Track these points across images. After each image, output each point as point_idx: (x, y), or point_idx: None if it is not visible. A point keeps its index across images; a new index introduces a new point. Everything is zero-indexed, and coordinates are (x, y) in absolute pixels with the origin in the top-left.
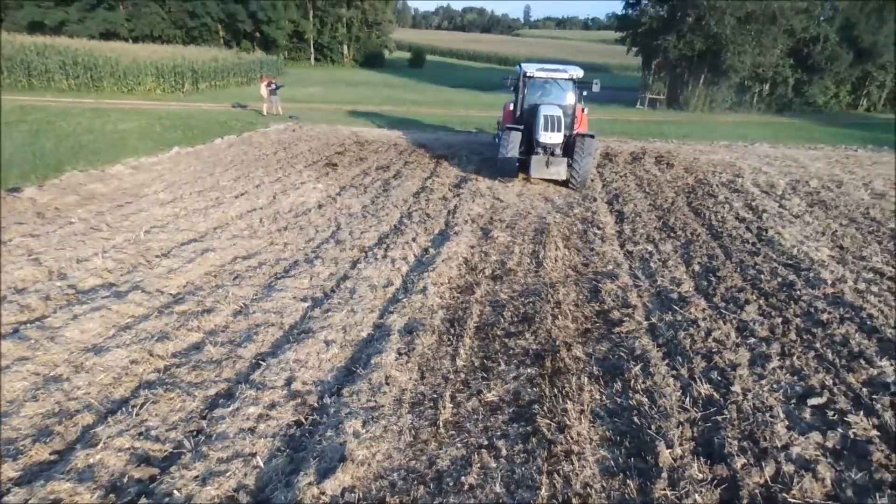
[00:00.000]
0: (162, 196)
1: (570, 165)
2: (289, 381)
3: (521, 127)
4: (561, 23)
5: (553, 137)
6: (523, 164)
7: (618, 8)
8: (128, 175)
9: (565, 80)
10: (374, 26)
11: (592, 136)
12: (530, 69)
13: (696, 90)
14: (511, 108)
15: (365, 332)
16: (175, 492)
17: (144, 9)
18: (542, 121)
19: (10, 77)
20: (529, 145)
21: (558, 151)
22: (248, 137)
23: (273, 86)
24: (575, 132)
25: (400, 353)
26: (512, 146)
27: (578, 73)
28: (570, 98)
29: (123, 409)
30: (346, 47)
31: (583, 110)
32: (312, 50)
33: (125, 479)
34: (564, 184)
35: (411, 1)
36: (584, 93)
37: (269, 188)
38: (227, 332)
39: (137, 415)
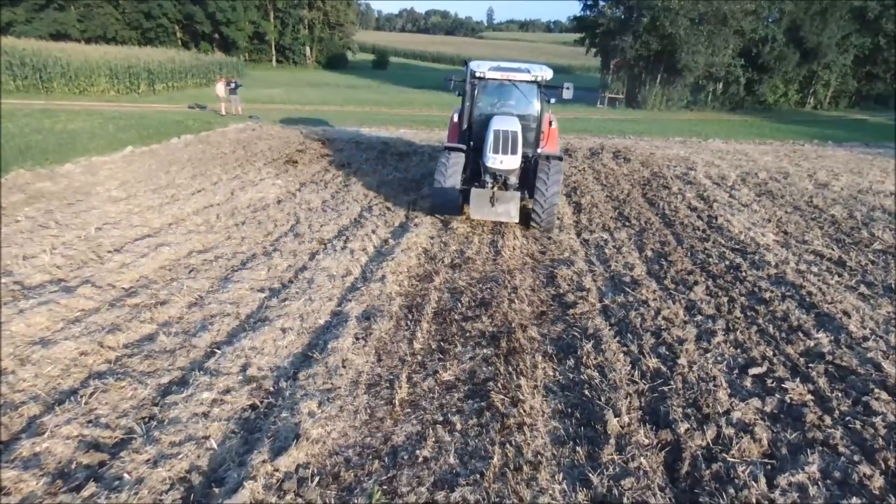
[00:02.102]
0: (114, 194)
1: (531, 197)
2: (244, 368)
3: (464, 147)
4: (524, 25)
5: (506, 162)
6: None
7: (578, 8)
8: (78, 174)
9: (527, 82)
10: (337, 28)
11: (560, 158)
12: (481, 68)
13: (654, 89)
14: (456, 117)
15: (322, 319)
16: (125, 475)
17: (97, 9)
18: (491, 138)
19: None
20: (476, 171)
21: (513, 180)
22: (205, 137)
23: (232, 84)
24: (539, 151)
25: (357, 338)
26: (452, 172)
27: (545, 73)
28: (534, 107)
29: (72, 398)
30: (308, 49)
31: (550, 123)
32: (274, 52)
33: (73, 466)
34: (524, 222)
35: (374, 3)
36: (552, 100)
37: (227, 185)
38: (181, 323)
39: (87, 404)
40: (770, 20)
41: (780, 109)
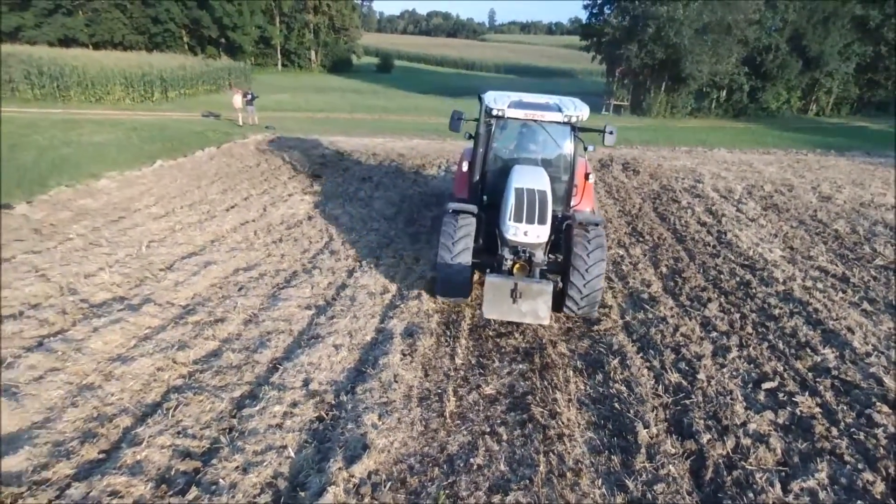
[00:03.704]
0: (154, 210)
1: (565, 278)
2: (306, 382)
3: (475, 209)
4: (525, 27)
5: (531, 233)
6: (484, 267)
7: (579, 11)
8: (115, 189)
9: (559, 124)
10: (342, 32)
11: (599, 223)
12: (499, 104)
13: (658, 96)
14: (466, 165)
15: (369, 336)
16: (220, 480)
17: (105, 14)
18: (512, 200)
19: None
20: (493, 238)
21: (539, 256)
22: (228, 149)
23: (249, 96)
24: (571, 211)
25: (404, 354)
26: (460, 246)
27: (580, 112)
28: (565, 154)
29: (158, 411)
30: (313, 53)
31: (586, 176)
32: (279, 56)
33: (172, 472)
34: (555, 305)
35: (377, 3)
36: (590, 147)
37: (258, 200)
38: (241, 340)
39: (172, 416)
40: (773, 29)
41: (783, 116)
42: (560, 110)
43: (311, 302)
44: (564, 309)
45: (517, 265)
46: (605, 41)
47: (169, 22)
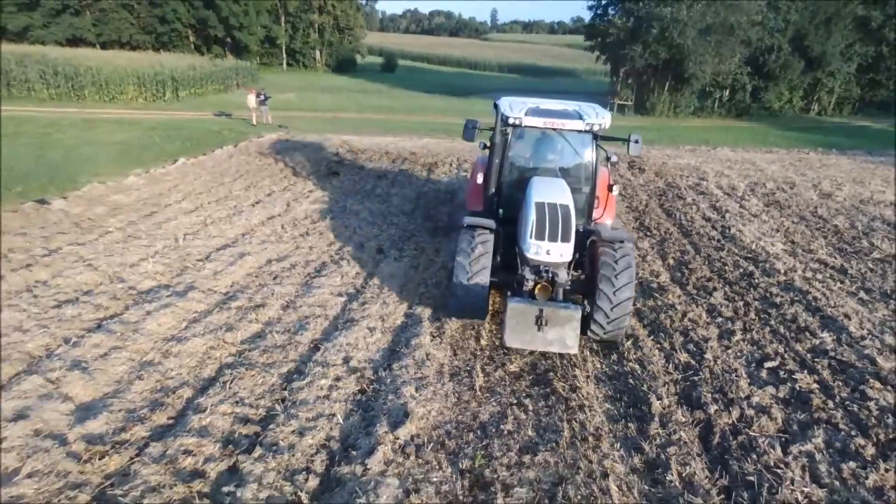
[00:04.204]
0: (184, 206)
1: (590, 299)
2: (346, 360)
3: (492, 224)
4: (528, 26)
5: (554, 251)
6: (502, 286)
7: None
8: (143, 186)
9: (580, 132)
10: (346, 31)
11: (625, 240)
12: (515, 111)
13: (662, 96)
14: (479, 175)
15: (399, 320)
16: (280, 442)
17: (112, 14)
18: (533, 216)
19: None
20: (511, 254)
21: (563, 275)
22: (245, 147)
23: (262, 97)
24: (592, 226)
25: (433, 336)
26: (478, 265)
27: (601, 119)
28: (587, 164)
29: (215, 384)
30: (318, 52)
31: (610, 188)
32: (284, 55)
33: (235, 435)
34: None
35: (379, 3)
36: (613, 157)
37: (281, 196)
38: (281, 323)
39: (229, 388)
40: (775, 30)
41: (785, 116)
42: (581, 118)
43: (343, 290)
44: (588, 332)
45: (539, 286)
46: (610, 41)
47: (176, 22)
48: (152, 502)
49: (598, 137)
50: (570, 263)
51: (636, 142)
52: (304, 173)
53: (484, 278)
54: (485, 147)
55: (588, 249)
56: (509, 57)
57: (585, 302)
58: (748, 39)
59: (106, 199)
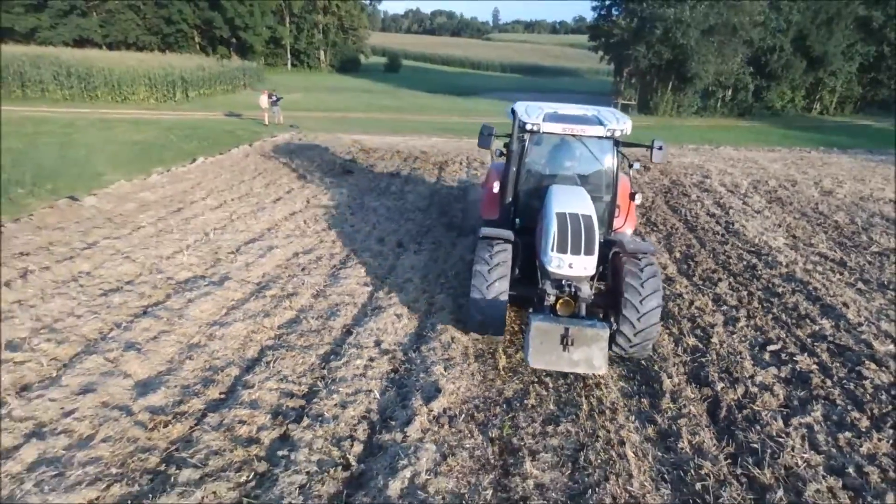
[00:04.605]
0: (209, 202)
1: (613, 313)
2: (378, 343)
3: (511, 235)
4: (529, 26)
5: (577, 265)
6: (521, 300)
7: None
8: (167, 184)
9: (600, 138)
10: (350, 32)
11: (650, 252)
12: (533, 117)
13: (665, 96)
14: (496, 184)
15: (423, 306)
16: (325, 413)
17: (119, 15)
18: (554, 228)
19: (5, 87)
20: (530, 266)
21: (586, 290)
22: (260, 147)
23: (274, 98)
24: (613, 236)
25: (456, 321)
26: (496, 279)
27: (622, 124)
28: (607, 172)
29: (259, 364)
30: (322, 53)
31: (632, 196)
32: (289, 56)
33: (283, 407)
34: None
35: (381, 3)
36: (636, 165)
37: (300, 193)
38: (314, 310)
39: (273, 367)
40: (777, 30)
41: (787, 115)
42: (601, 123)
43: (368, 280)
44: (613, 348)
45: (561, 301)
46: (614, 42)
47: (181, 22)
48: (216, 464)
49: (619, 144)
50: (593, 277)
51: (660, 148)
52: (320, 172)
53: (503, 294)
54: (501, 154)
55: (610, 261)
56: (512, 57)
57: (612, 318)
58: (750, 40)
59: (133, 196)
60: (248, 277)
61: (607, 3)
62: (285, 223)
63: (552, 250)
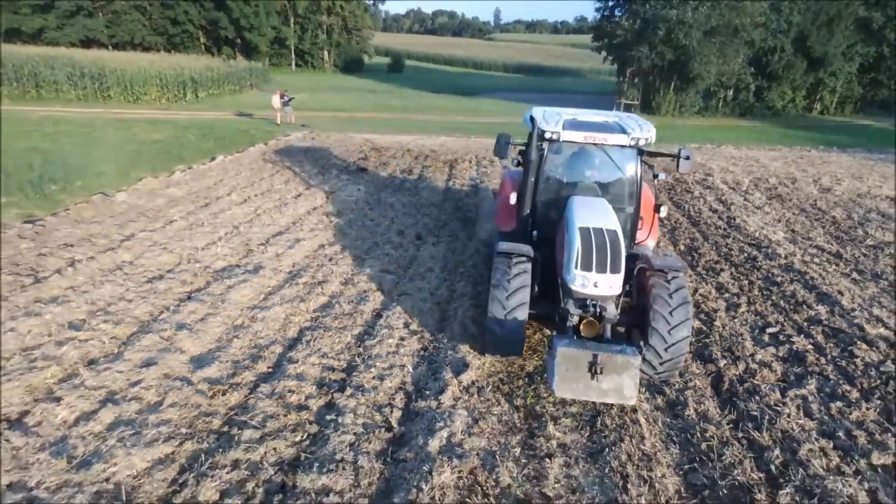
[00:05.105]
0: (234, 198)
1: (640, 336)
2: (406, 324)
3: (530, 250)
4: (531, 25)
5: (603, 283)
6: (540, 318)
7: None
8: (191, 181)
9: (623, 147)
10: (354, 32)
11: (679, 269)
12: (552, 125)
13: (667, 96)
14: (512, 195)
15: (445, 293)
16: (364, 384)
17: (125, 16)
18: (577, 243)
19: (20, 87)
20: (549, 281)
21: (611, 310)
22: (275, 145)
23: (286, 98)
24: (635, 248)
25: (476, 307)
26: (516, 300)
27: (646, 132)
28: (630, 182)
29: (300, 342)
30: (326, 53)
31: (657, 208)
32: (293, 56)
33: (326, 379)
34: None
35: (384, 4)
36: (661, 175)
37: (319, 190)
38: (344, 296)
39: (313, 345)
40: (778, 31)
41: (788, 115)
42: (624, 131)
43: (391, 269)
44: (647, 369)
45: (585, 321)
46: (617, 43)
47: (187, 23)
48: (273, 426)
49: (643, 153)
50: (619, 295)
51: (687, 158)
52: (335, 169)
53: (522, 314)
54: (518, 164)
55: (635, 277)
56: (513, 57)
57: (637, 338)
58: (752, 41)
59: (161, 193)
60: (280, 267)
61: (610, 4)
62: (308, 217)
63: (576, 268)
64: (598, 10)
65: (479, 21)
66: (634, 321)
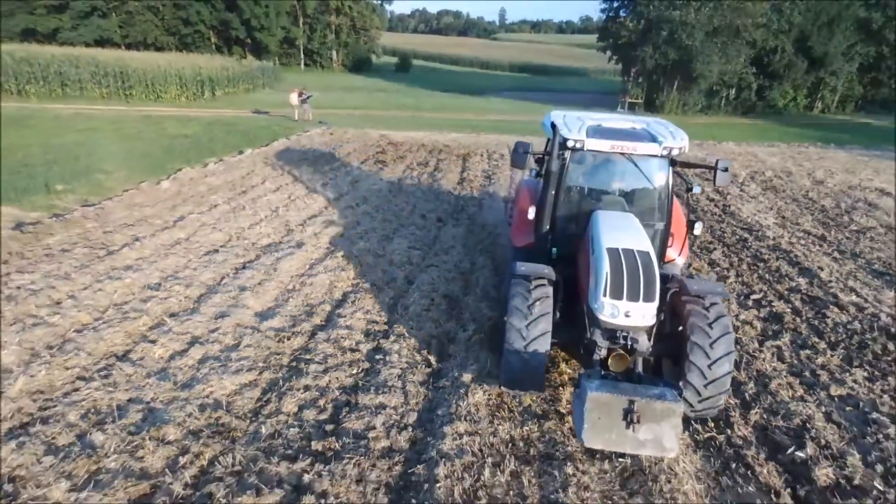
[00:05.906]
0: (268, 186)
1: (678, 371)
2: (435, 289)
3: (552, 273)
4: (536, 25)
5: (635, 313)
6: (562, 345)
7: (590, 9)
8: (224, 171)
9: (654, 157)
10: (362, 32)
11: (717, 296)
12: (575, 132)
13: (671, 95)
14: (531, 208)
15: (468, 264)
16: (404, 333)
17: (138, 16)
18: (606, 267)
19: (46, 86)
20: (571, 304)
21: (643, 342)
22: (297, 141)
23: (304, 95)
24: (663, 268)
25: (494, 276)
26: (535, 331)
27: (678, 141)
28: (661, 195)
29: (346, 302)
30: (335, 53)
31: (690, 226)
32: (302, 56)
33: (372, 329)
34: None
35: (389, 4)
36: (696, 188)
37: (344, 180)
38: (378, 267)
39: (357, 304)
40: (780, 31)
41: (790, 113)
42: (655, 140)
43: (417, 245)
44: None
45: (613, 354)
46: (622, 43)
47: (199, 23)
48: (332, 362)
49: (675, 163)
50: (651, 326)
51: (725, 170)
52: (356, 162)
53: (544, 345)
54: (538, 175)
55: (668, 302)
56: (519, 57)
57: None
58: (753, 41)
59: (201, 181)
60: (319, 244)
61: (615, 5)
62: (337, 203)
63: (604, 295)
64: (603, 10)
65: (484, 21)
66: (666, 351)
